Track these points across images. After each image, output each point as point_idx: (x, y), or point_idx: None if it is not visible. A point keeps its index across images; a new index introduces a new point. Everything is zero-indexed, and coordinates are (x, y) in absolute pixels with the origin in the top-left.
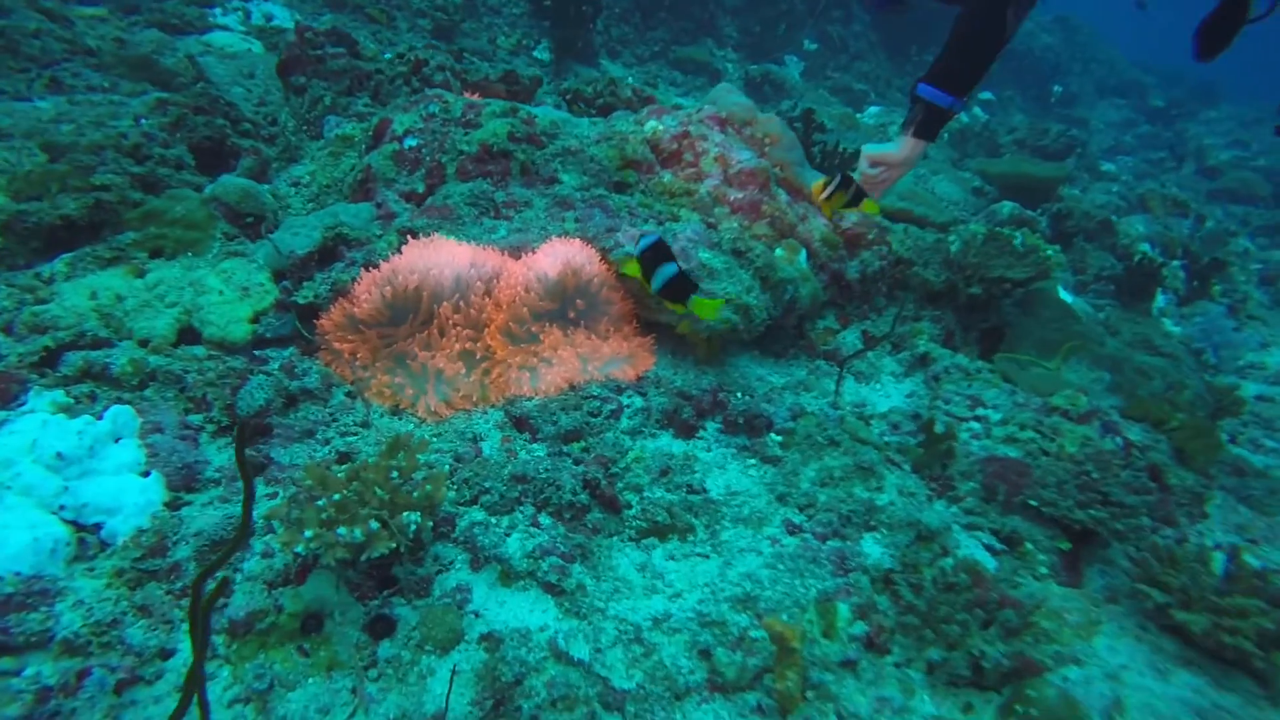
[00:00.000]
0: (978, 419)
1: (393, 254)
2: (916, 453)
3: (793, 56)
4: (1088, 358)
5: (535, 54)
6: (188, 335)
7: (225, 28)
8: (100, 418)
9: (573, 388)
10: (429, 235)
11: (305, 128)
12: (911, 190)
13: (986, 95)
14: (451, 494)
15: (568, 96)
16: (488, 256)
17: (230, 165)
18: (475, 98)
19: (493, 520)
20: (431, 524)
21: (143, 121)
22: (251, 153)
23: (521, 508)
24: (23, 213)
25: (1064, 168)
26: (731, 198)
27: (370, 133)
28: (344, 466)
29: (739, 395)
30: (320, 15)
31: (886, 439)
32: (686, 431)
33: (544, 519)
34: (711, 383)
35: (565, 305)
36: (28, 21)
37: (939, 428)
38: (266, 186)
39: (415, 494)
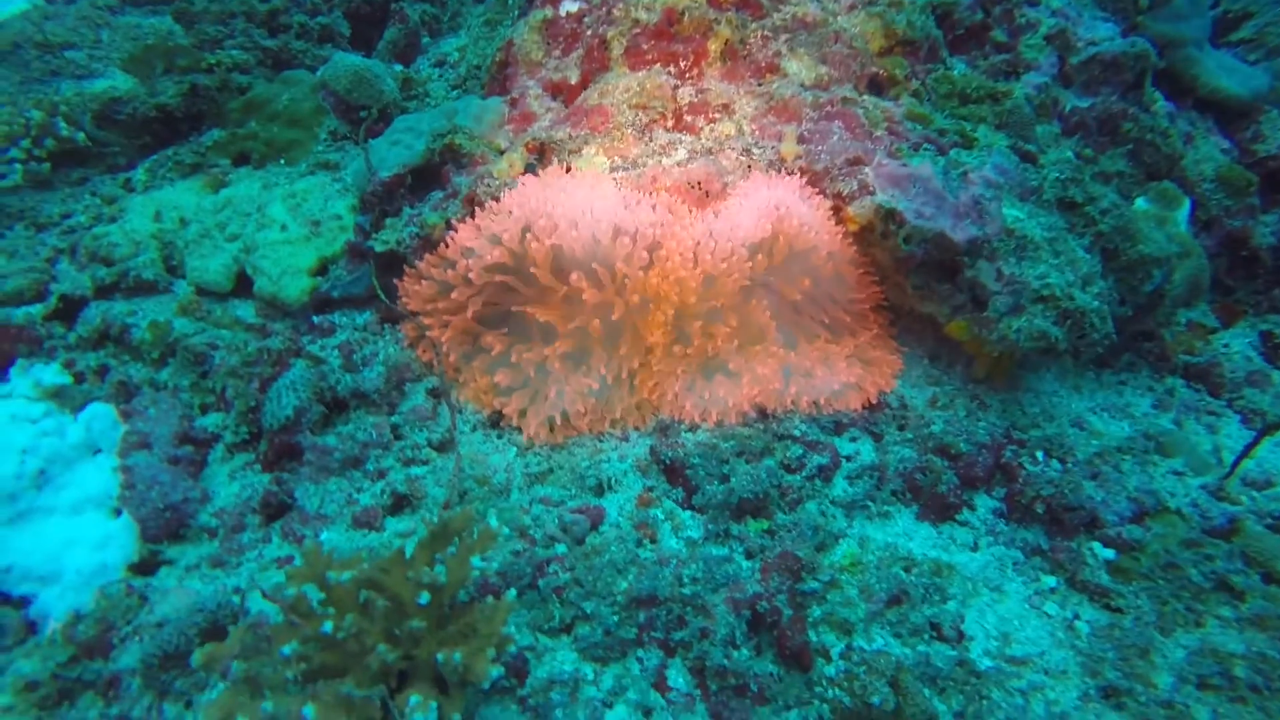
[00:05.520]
0: None
1: (505, 188)
2: None
3: None
4: None
5: None
6: (246, 280)
7: None
8: (76, 416)
9: (764, 415)
10: (571, 152)
11: None
12: None
13: None
14: (524, 617)
15: None
16: (640, 211)
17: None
18: None
19: (587, 673)
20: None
21: None
22: (398, 19)
23: (642, 650)
24: (116, 101)
25: None
26: (1069, 107)
27: None
28: (363, 552)
29: (1039, 455)
30: None
31: None
32: (941, 511)
33: (675, 676)
34: (993, 428)
35: (769, 283)
36: None
37: None
38: (397, 69)
39: (443, 658)
